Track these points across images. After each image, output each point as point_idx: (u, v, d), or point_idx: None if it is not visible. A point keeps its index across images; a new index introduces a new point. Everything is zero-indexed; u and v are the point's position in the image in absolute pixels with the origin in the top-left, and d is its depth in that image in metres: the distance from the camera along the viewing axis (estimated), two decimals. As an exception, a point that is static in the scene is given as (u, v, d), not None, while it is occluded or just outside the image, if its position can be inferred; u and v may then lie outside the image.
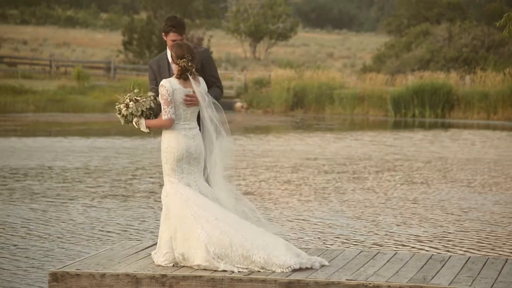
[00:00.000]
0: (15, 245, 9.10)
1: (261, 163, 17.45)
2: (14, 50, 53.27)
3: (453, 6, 53.96)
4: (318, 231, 10.12)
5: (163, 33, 6.63)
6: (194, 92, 6.41)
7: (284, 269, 6.14)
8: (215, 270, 6.21)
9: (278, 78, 39.72)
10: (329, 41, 72.20)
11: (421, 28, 48.80)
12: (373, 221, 10.82)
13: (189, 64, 6.36)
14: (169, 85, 6.36)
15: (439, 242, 9.55)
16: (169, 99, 6.34)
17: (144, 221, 10.50)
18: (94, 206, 11.57)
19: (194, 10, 62.99)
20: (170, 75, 6.59)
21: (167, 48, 6.64)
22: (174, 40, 6.55)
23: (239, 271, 6.16)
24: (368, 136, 25.91)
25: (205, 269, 6.23)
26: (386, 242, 9.52)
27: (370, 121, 34.58)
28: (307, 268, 6.25)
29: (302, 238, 9.68)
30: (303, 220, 10.85)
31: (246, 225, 6.32)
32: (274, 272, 6.14)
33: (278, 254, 6.19)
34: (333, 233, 10.01)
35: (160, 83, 6.39)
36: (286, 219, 10.86)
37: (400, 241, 9.56)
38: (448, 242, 9.56)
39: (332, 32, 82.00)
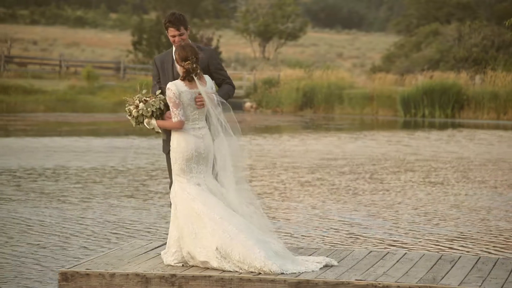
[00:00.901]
0: (34, 243, 9.16)
1: (280, 163, 17.41)
2: (24, 50, 53.46)
3: (463, 6, 53.84)
4: (335, 231, 10.12)
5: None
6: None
7: (280, 272, 6.13)
8: (223, 271, 6.22)
9: (288, 78, 39.72)
10: (339, 41, 72.15)
11: (431, 28, 48.71)
12: (392, 221, 10.78)
13: (194, 65, 6.37)
14: (175, 88, 6.37)
15: (456, 242, 9.49)
16: (177, 102, 6.36)
17: (166, 221, 10.52)
18: (115, 206, 11.60)
19: (203, 10, 63.05)
20: (173, 73, 6.56)
21: (173, 46, 6.59)
22: (173, 36, 6.51)
23: (241, 272, 6.17)
24: (384, 136, 25.87)
25: (213, 269, 6.25)
26: (404, 242, 9.49)
27: (380, 121, 34.54)
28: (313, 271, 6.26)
29: (321, 237, 9.68)
30: (322, 219, 10.85)
31: (251, 227, 6.34)
32: (272, 274, 6.13)
33: (275, 257, 6.21)
34: (352, 232, 10.00)
35: (167, 87, 6.40)
36: (308, 219, 10.86)
37: (418, 241, 9.52)
38: (465, 242, 9.51)
39: (341, 32, 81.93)
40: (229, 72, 6.40)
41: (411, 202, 12.36)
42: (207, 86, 6.47)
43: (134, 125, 6.51)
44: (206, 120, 6.51)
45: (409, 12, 57.96)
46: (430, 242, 9.49)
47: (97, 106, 36.31)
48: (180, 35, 6.51)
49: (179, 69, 6.46)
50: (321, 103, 38.23)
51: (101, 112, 34.87)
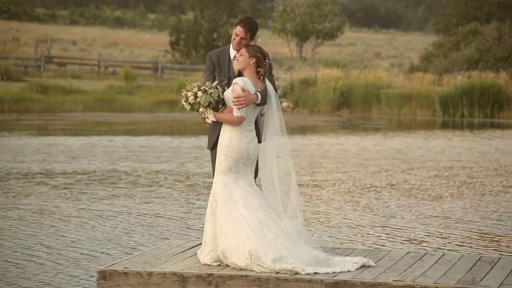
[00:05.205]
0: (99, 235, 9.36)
1: (368, 163, 17.26)
2: (64, 51, 54.01)
3: (503, 5, 53.15)
4: (457, 230, 10.11)
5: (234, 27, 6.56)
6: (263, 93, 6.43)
7: (313, 272, 6.15)
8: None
9: (325, 78, 39.60)
10: (376, 41, 71.77)
11: (470, 27, 48.18)
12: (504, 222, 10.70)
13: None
14: (243, 84, 6.37)
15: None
16: None
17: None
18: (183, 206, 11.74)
19: (240, 10, 63.12)
20: (229, 70, 6.55)
21: (231, 44, 6.55)
22: (237, 35, 6.46)
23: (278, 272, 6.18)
24: (455, 136, 25.65)
25: (245, 269, 6.26)
26: (491, 245, 9.42)
27: (419, 121, 34.29)
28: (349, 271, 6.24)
29: (450, 238, 9.65)
30: (444, 220, 10.84)
31: (288, 234, 6.32)
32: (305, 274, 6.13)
33: (311, 262, 6.21)
34: (445, 233, 9.97)
35: (235, 81, 6.39)
36: (426, 219, 10.86)
37: (501, 245, 9.44)
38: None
39: (379, 31, 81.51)
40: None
41: (502, 209, 12.05)
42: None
43: (188, 110, 6.49)
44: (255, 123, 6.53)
45: (448, 12, 57.38)
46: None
47: (135, 106, 36.55)
48: (243, 38, 6.45)
49: (235, 66, 6.47)
50: (358, 103, 38.06)
51: (139, 112, 35.09)
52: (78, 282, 7.48)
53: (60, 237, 9.49)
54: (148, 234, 9.66)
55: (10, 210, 11.09)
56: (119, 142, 21.22)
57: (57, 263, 8.19)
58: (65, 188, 13.18)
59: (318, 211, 11.38)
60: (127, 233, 9.70)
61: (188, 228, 10.02)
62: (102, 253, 8.70)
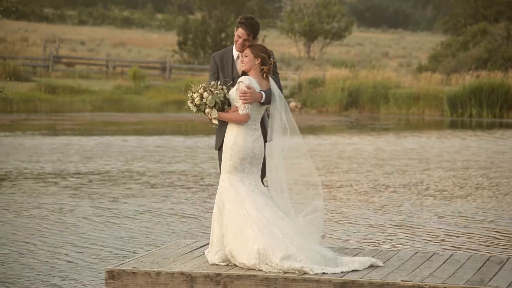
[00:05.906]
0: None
1: (382, 164, 17.19)
2: (72, 51, 54.11)
3: (512, 5, 53.01)
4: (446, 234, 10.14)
5: (235, 28, 6.57)
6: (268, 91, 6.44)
7: (321, 272, 6.15)
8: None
9: (333, 78, 39.58)
10: (384, 41, 71.69)
11: (479, 27, 48.07)
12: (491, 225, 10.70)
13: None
14: (248, 82, 6.38)
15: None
16: None
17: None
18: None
19: (248, 10, 63.14)
20: (233, 71, 6.55)
21: (234, 44, 6.55)
22: (239, 37, 6.45)
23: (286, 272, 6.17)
24: (472, 136, 25.55)
25: (253, 269, 6.26)
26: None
27: (427, 121, 34.23)
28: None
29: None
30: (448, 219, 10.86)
31: (297, 232, 6.31)
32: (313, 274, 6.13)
33: (319, 261, 6.20)
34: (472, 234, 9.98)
35: (240, 80, 6.39)
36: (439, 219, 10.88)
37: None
38: None
39: (387, 31, 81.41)
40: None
41: None
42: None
43: (194, 112, 6.49)
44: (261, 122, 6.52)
45: (457, 11, 57.26)
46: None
47: (143, 106, 36.60)
48: (245, 40, 6.45)
49: (238, 66, 6.47)
50: (366, 103, 38.02)
51: (147, 112, 35.13)
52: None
53: (82, 235, 9.59)
54: (165, 233, 9.71)
55: (32, 209, 11.21)
56: (133, 142, 21.30)
57: (84, 261, 8.28)
58: (83, 187, 13.28)
59: (335, 211, 11.39)
60: (145, 233, 9.75)
61: (204, 228, 10.05)
62: (124, 251, 8.77)
